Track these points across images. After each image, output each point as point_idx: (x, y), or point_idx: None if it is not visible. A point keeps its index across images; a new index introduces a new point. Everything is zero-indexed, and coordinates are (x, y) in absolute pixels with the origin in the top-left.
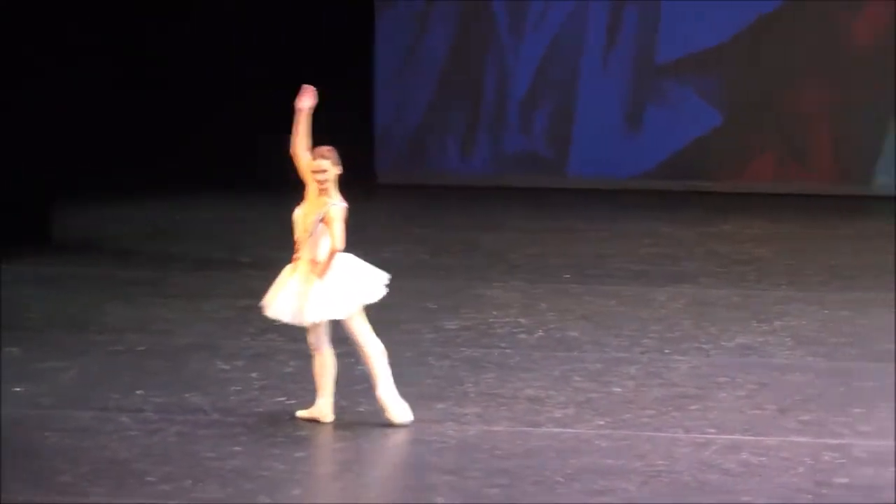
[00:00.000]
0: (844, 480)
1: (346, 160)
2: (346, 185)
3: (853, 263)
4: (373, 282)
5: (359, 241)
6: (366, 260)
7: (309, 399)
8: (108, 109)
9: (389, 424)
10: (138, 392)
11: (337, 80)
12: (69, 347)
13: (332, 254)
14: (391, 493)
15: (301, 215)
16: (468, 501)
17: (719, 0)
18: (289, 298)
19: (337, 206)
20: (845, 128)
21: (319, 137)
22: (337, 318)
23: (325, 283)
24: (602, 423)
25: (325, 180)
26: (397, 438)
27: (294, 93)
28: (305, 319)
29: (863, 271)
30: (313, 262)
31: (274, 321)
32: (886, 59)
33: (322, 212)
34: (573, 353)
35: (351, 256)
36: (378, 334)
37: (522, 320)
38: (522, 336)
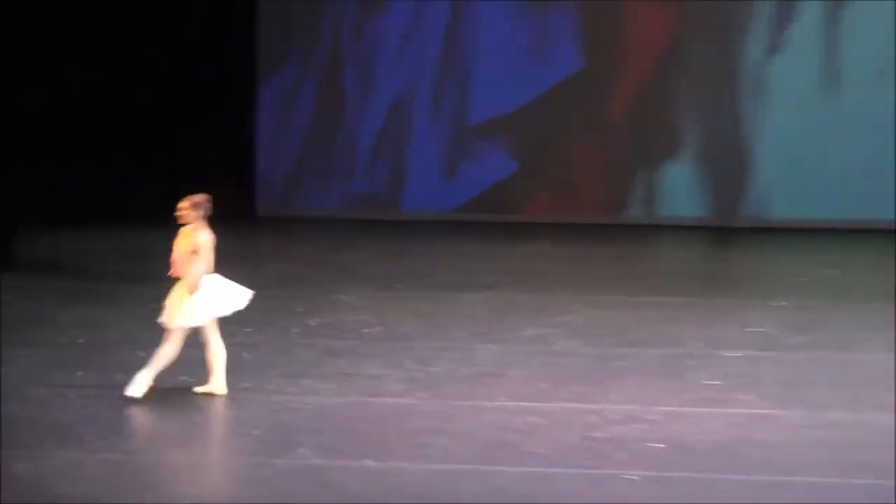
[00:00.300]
0: (602, 435)
1: (232, 197)
2: (233, 218)
3: (611, 275)
4: (234, 297)
5: (244, 259)
6: (249, 275)
7: (205, 378)
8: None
9: (270, 396)
10: (79, 374)
11: (226, 136)
12: (29, 340)
13: (199, 275)
14: (269, 447)
15: (179, 242)
16: (325, 452)
17: (511, 79)
18: (171, 308)
19: (204, 238)
20: (608, 173)
21: (216, 179)
22: (198, 324)
23: (195, 296)
24: (425, 395)
25: (184, 218)
26: (273, 407)
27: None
28: (179, 324)
29: (616, 280)
30: (186, 281)
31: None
32: (632, 124)
33: (193, 242)
34: (405, 343)
35: (217, 276)
36: (258, 331)
37: (368, 318)
38: (367, 330)
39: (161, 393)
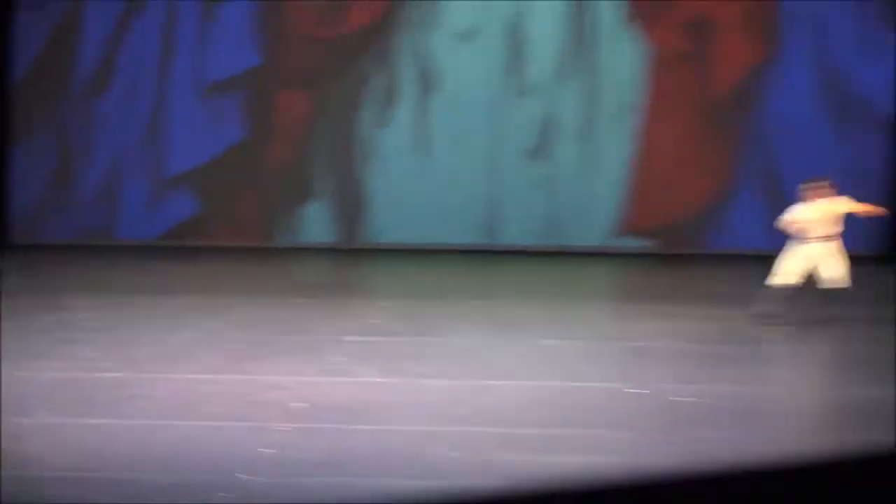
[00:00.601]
0: (259, 398)
1: None
2: None
3: (265, 283)
4: None
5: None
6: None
7: None
8: None
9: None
10: None
11: None
12: None
13: None
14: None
15: None
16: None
17: (198, 133)
18: None
19: None
20: (266, 210)
21: None
22: None
23: None
24: (130, 371)
25: None
26: (11, 379)
27: None
28: None
29: (269, 287)
30: None
31: None
32: (284, 177)
33: None
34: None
35: None
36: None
37: (92, 317)
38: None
39: None
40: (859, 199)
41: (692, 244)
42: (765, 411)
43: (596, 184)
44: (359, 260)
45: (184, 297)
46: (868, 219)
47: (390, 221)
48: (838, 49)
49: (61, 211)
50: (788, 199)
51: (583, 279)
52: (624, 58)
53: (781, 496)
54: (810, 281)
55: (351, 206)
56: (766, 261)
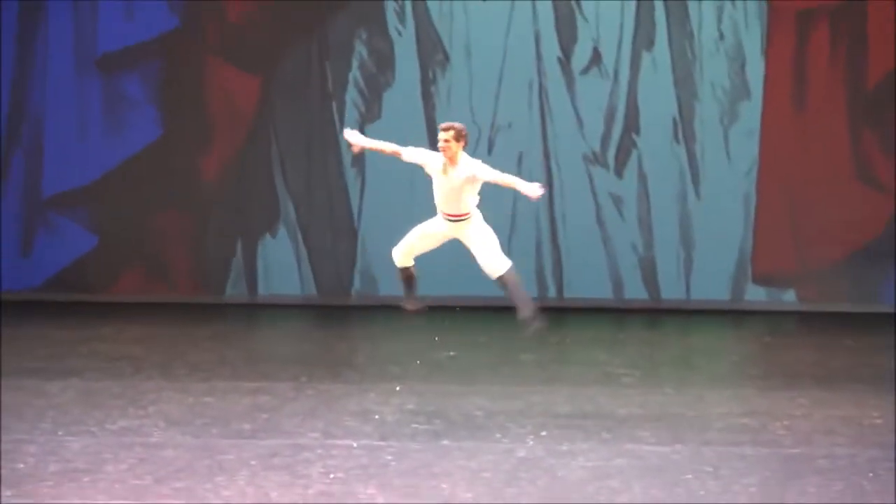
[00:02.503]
0: None
1: None
2: None
3: (210, 359)
4: None
5: None
6: None
7: None
8: None
9: None
10: None
11: None
12: None
13: None
14: None
15: None
16: None
17: (89, 145)
18: None
19: None
20: (200, 248)
21: None
22: None
23: None
24: (9, 493)
25: None
26: None
27: None
28: None
29: (219, 364)
30: None
31: None
32: (230, 191)
33: None
34: None
35: None
36: None
37: None
38: None
39: None
40: None
41: (843, 297)
42: None
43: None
44: (349, 320)
45: (83, 380)
46: None
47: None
48: None
49: None
50: None
51: (694, 346)
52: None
53: None
54: None
55: (333, 242)
56: None
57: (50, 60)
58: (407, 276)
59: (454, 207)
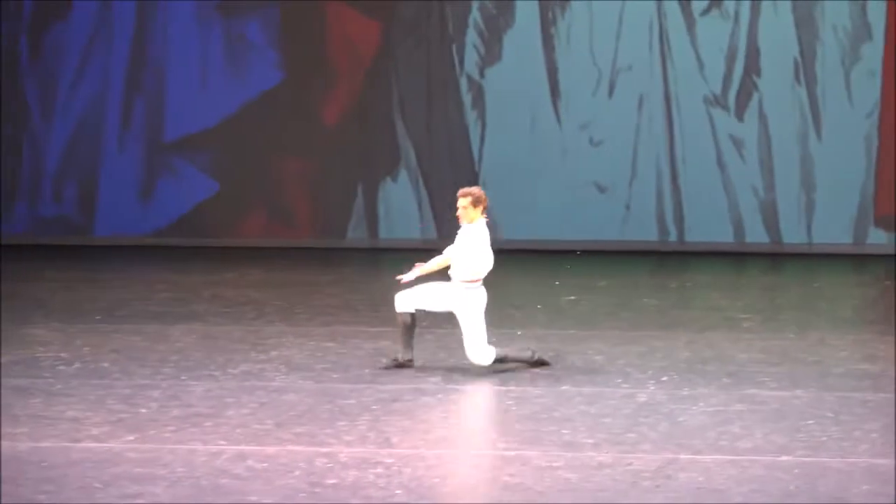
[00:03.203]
0: (334, 481)
1: None
2: None
3: (332, 304)
4: None
5: None
6: None
7: None
8: None
9: None
10: None
11: None
12: None
13: None
14: None
15: None
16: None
17: (210, 91)
18: None
19: None
20: (321, 193)
21: None
22: None
23: None
24: (132, 438)
25: None
26: None
27: None
28: None
29: (341, 309)
30: None
31: None
32: (351, 136)
33: None
34: (105, 380)
35: None
36: None
37: (63, 354)
38: (63, 367)
39: None
40: None
41: None
42: None
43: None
44: None
45: (194, 324)
46: None
47: (513, 209)
48: None
49: (13, 197)
50: None
51: (815, 290)
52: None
53: None
54: None
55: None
56: None
57: (171, 5)
58: (405, 324)
59: (461, 270)
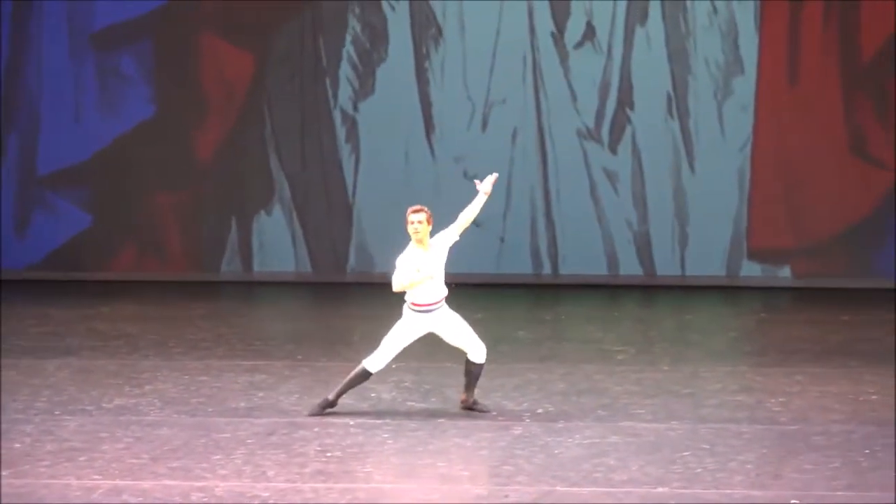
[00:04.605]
0: None
1: None
2: None
3: (207, 337)
4: None
5: None
6: None
7: None
8: None
9: None
10: None
11: None
12: None
13: None
14: None
15: None
16: None
17: (83, 124)
18: None
19: None
20: (195, 226)
21: None
22: None
23: None
24: (6, 473)
25: None
26: None
27: None
28: None
29: (215, 342)
30: None
31: None
32: (225, 169)
33: None
34: None
35: None
36: None
37: None
38: None
39: None
40: None
41: (839, 272)
42: None
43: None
44: (345, 298)
45: (79, 358)
46: None
47: (385, 241)
48: None
49: None
50: None
51: (689, 322)
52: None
53: None
54: None
55: (329, 219)
56: None
57: (44, 39)
58: (363, 379)
59: (437, 292)
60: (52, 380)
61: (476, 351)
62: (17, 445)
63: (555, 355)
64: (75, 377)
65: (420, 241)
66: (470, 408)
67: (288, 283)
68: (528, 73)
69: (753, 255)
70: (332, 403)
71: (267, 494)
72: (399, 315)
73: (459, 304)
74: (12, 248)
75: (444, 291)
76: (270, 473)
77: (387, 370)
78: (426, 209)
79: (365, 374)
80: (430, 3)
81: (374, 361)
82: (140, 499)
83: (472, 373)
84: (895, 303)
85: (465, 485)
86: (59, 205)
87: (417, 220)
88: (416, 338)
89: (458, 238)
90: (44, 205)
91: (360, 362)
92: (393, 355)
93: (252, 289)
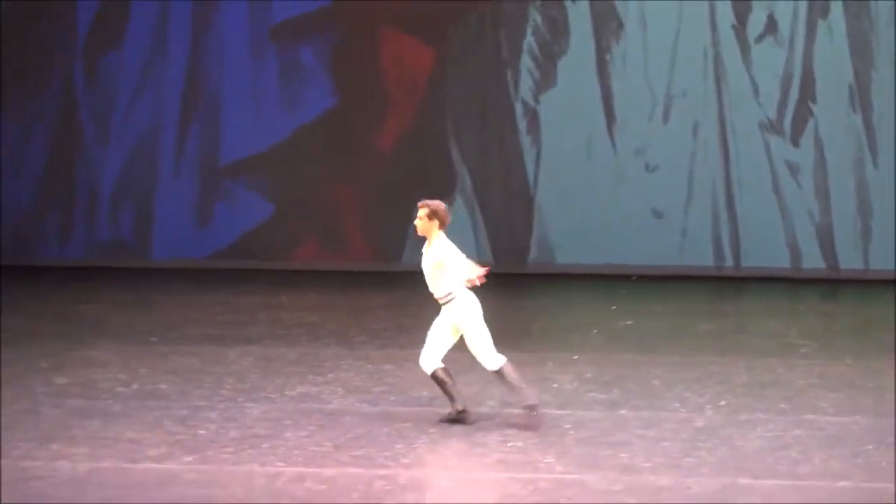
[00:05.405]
0: (392, 502)
1: None
2: None
3: (388, 327)
4: None
5: None
6: None
7: None
8: None
9: (16, 463)
10: None
11: None
12: None
13: None
14: None
15: None
16: None
17: (264, 116)
18: None
19: None
20: (377, 217)
21: None
22: None
23: None
24: (190, 459)
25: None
26: (22, 475)
27: None
28: None
29: (398, 332)
30: None
31: None
32: (405, 161)
33: None
34: (163, 402)
35: None
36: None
37: (121, 376)
38: (121, 389)
39: None
40: None
41: None
42: None
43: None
44: (525, 289)
45: (259, 346)
46: None
47: (567, 233)
48: None
49: (70, 220)
50: None
51: (872, 316)
52: None
53: None
54: None
55: (510, 211)
56: None
57: (225, 31)
58: (438, 381)
59: (433, 289)
60: (234, 367)
61: (486, 360)
62: (202, 432)
63: (736, 348)
64: (258, 365)
65: (427, 239)
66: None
67: None
68: (709, 65)
69: None
70: (462, 411)
71: (448, 484)
72: (576, 303)
73: (641, 297)
74: (195, 237)
75: (440, 293)
76: (452, 463)
77: (567, 360)
78: (431, 204)
79: (439, 375)
80: None
81: (425, 360)
82: (323, 486)
83: (503, 378)
84: None
85: (647, 476)
86: (240, 195)
87: (417, 216)
88: (446, 328)
89: (448, 264)
90: (226, 195)
91: (538, 353)
92: (436, 347)
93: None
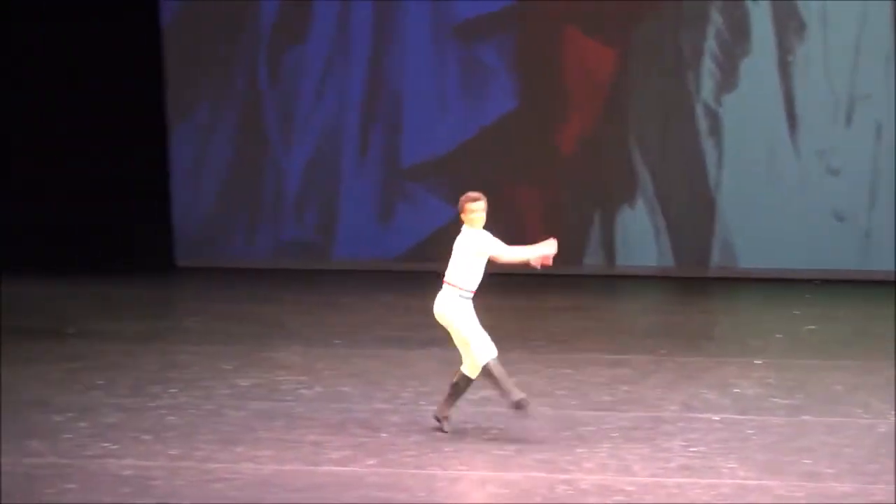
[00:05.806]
0: None
1: (149, 247)
2: (150, 268)
3: (568, 330)
4: None
5: (164, 313)
6: (170, 331)
7: (130, 446)
8: None
9: (201, 465)
10: None
11: (140, 183)
12: None
13: None
14: None
15: None
16: None
17: (446, 116)
18: None
19: None
20: (558, 219)
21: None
22: None
23: None
24: (373, 462)
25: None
26: (206, 477)
27: None
28: None
29: (577, 335)
30: None
31: None
32: (587, 164)
33: None
34: (345, 404)
35: None
36: (183, 391)
37: (304, 378)
38: (304, 391)
39: (81, 460)
40: None
41: None
42: None
43: None
44: (707, 293)
45: (432, 348)
46: None
47: (750, 236)
48: None
49: (256, 221)
50: None
51: None
52: None
53: None
54: None
55: (691, 213)
56: None
57: (408, 30)
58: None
59: (459, 278)
60: (416, 370)
61: (468, 363)
62: (384, 435)
63: None
64: (440, 368)
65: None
66: (437, 419)
67: (650, 277)
68: (892, 66)
69: None
70: (520, 401)
71: (632, 489)
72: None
73: (823, 301)
74: (377, 238)
75: (469, 286)
76: (635, 468)
77: (749, 365)
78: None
79: (491, 368)
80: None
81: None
82: (505, 490)
83: (458, 385)
84: None
85: (830, 482)
86: (421, 196)
87: (481, 209)
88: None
89: (485, 251)
90: (407, 196)
91: (719, 357)
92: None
93: (613, 282)
